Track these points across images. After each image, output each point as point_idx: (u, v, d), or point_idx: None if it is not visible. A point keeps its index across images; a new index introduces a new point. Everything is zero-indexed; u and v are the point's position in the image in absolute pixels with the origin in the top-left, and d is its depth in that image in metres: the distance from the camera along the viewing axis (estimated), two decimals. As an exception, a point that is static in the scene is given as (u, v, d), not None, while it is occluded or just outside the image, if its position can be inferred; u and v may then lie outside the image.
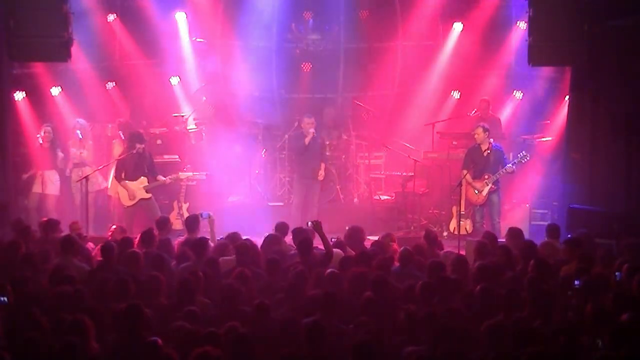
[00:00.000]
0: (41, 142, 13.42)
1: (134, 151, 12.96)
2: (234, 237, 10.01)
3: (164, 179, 13.26)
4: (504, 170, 13.02)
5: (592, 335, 6.85)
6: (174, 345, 6.69)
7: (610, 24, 12.19)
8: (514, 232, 10.50)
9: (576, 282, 7.84)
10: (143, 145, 13.09)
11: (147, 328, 6.87)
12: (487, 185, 13.10)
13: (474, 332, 6.89)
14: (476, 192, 13.16)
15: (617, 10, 12.17)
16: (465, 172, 12.99)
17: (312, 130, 13.63)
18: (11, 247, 9.47)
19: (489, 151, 13.12)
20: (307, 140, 13.66)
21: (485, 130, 13.13)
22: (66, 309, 7.24)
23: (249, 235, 10.33)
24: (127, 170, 13.12)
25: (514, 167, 13.02)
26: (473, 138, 13.41)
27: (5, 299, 7.60)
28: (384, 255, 9.16)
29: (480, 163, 13.14)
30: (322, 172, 13.83)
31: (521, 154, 13.06)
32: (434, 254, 9.83)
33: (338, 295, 7.64)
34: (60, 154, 13.54)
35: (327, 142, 14.81)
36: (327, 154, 14.68)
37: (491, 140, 13.22)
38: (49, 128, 13.47)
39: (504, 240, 10.70)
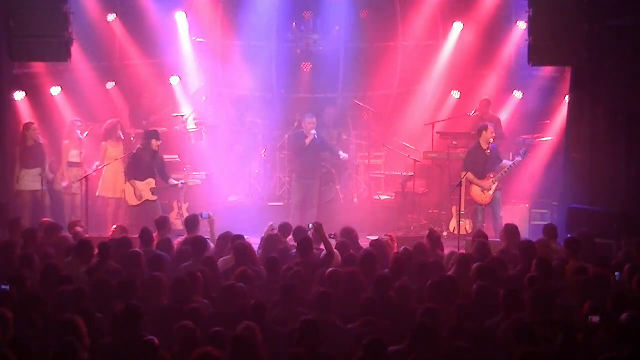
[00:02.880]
0: (29, 141, 13.30)
1: (143, 149, 12.97)
2: (228, 237, 9.98)
3: (176, 182, 13.26)
4: (513, 166, 13.05)
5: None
6: (174, 346, 6.70)
7: (610, 24, 12.19)
8: (511, 230, 10.51)
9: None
10: (159, 143, 13.10)
11: (146, 328, 6.86)
12: (494, 183, 13.12)
13: (475, 331, 6.90)
14: (483, 191, 13.18)
15: (617, 10, 12.17)
16: (464, 172, 12.98)
17: (313, 131, 13.65)
18: (9, 247, 9.47)
19: (489, 151, 13.15)
20: (308, 140, 13.68)
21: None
22: (66, 309, 7.24)
23: (249, 235, 10.33)
24: (138, 169, 13.11)
25: (521, 159, 13.06)
26: (474, 137, 13.45)
27: (7, 287, 7.60)
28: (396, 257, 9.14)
29: (483, 163, 13.15)
30: (344, 155, 14.06)
31: (523, 150, 13.20)
32: (436, 255, 9.82)
33: (339, 294, 7.65)
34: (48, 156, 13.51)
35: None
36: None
37: (491, 140, 13.24)
38: (33, 126, 13.36)
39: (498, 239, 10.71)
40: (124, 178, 13.45)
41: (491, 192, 13.17)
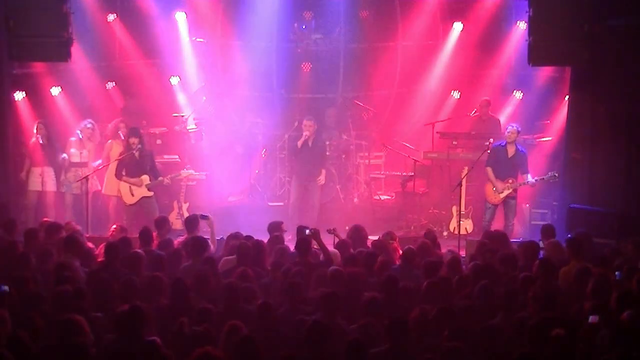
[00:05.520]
0: (40, 139, 13.40)
1: (134, 150, 12.99)
2: (235, 237, 10.00)
3: (161, 178, 13.27)
4: (527, 183, 12.98)
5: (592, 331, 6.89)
6: (174, 346, 6.70)
7: (610, 24, 12.20)
8: (498, 237, 10.46)
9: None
10: (137, 139, 13.09)
11: (148, 329, 6.87)
12: (509, 189, 13.02)
13: (475, 331, 6.90)
14: (494, 189, 13.13)
15: (617, 10, 12.18)
16: (465, 169, 12.99)
17: (306, 132, 13.68)
18: (10, 247, 9.48)
19: (510, 153, 13.05)
20: (299, 142, 13.71)
21: (518, 132, 13.11)
22: (67, 309, 7.24)
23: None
24: (128, 167, 13.13)
25: (535, 182, 12.99)
26: (474, 137, 13.42)
27: (7, 288, 7.60)
28: (384, 257, 9.16)
29: (503, 163, 13.10)
30: (321, 178, 13.84)
31: (551, 173, 12.95)
32: (435, 254, 9.81)
33: (340, 294, 7.66)
34: (61, 154, 13.56)
35: (327, 142, 14.85)
36: (327, 153, 14.71)
37: (518, 144, 13.15)
38: (41, 125, 13.44)
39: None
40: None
41: (502, 196, 13.09)
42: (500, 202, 13.14)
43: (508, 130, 13.16)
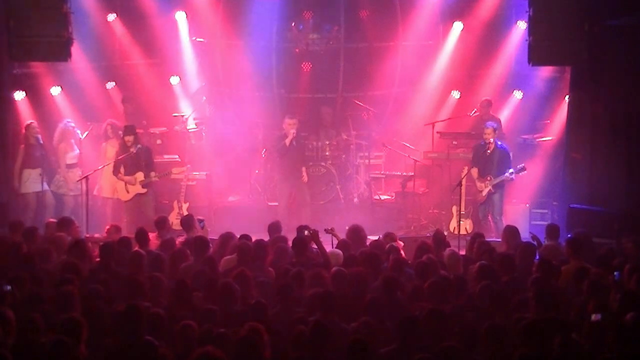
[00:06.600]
0: (38, 140, 13.38)
1: (131, 148, 13.01)
2: (228, 237, 10.00)
3: (152, 173, 13.31)
4: (504, 178, 13.06)
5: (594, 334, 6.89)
6: (174, 346, 6.70)
7: (610, 24, 12.21)
8: (511, 231, 10.49)
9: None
10: (132, 137, 13.11)
11: (147, 328, 6.86)
12: (487, 187, 13.17)
13: (477, 331, 6.90)
14: (478, 190, 13.28)
15: (617, 10, 12.19)
16: (465, 169, 13.04)
17: (292, 131, 13.69)
18: (12, 247, 9.48)
19: (488, 150, 13.15)
20: (287, 141, 13.72)
21: (495, 130, 13.20)
22: (67, 309, 7.24)
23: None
24: (125, 165, 13.17)
25: (512, 177, 13.08)
26: (474, 137, 13.46)
27: (10, 287, 7.60)
28: (395, 256, 9.15)
29: (483, 161, 13.19)
30: (304, 175, 13.94)
31: (520, 166, 13.12)
32: (440, 255, 9.80)
33: (342, 294, 7.65)
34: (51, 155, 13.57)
35: (327, 142, 14.84)
36: (327, 154, 14.70)
37: (497, 141, 13.23)
38: (33, 125, 13.40)
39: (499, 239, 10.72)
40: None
41: (483, 194, 13.28)
42: (484, 199, 13.29)
43: (485, 131, 13.22)
